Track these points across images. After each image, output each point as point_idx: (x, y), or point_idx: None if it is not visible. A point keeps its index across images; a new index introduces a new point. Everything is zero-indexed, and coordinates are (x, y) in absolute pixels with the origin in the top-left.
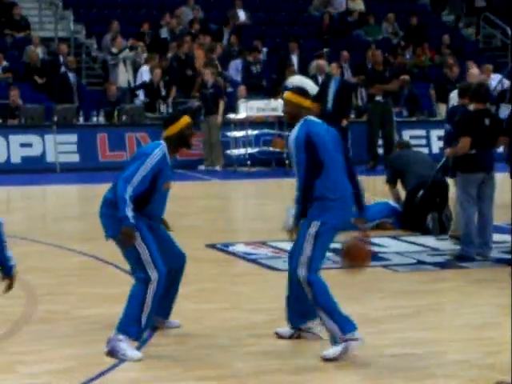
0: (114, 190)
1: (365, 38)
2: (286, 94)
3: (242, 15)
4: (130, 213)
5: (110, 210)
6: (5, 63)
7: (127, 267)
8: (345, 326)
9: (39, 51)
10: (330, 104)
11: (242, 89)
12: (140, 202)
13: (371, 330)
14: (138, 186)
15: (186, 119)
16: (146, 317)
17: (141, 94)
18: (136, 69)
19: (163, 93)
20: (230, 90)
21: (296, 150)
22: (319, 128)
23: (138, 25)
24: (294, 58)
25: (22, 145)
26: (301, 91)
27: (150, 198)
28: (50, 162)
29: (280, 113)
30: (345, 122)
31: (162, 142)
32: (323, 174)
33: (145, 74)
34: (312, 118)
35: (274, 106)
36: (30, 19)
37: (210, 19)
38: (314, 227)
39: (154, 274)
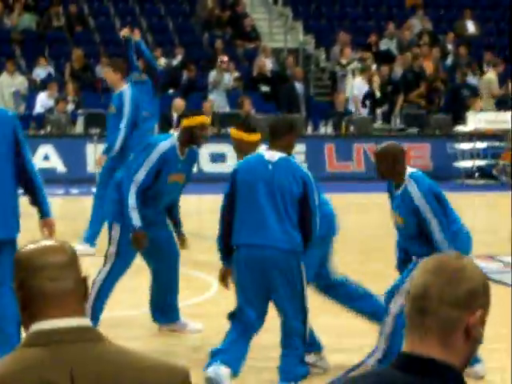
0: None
1: None
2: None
3: (470, 26)
4: (136, 219)
5: (116, 195)
6: (236, 74)
7: None
8: None
9: (269, 62)
10: None
11: (476, 101)
12: (144, 193)
13: None
14: (142, 182)
15: (202, 118)
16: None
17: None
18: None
19: (385, 102)
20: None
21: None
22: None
23: (366, 35)
24: None
25: None
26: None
27: (154, 189)
28: None
29: (510, 125)
30: None
31: (173, 133)
32: None
33: (360, 84)
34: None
35: (504, 119)
36: (261, 30)
37: (438, 30)
38: None
39: None
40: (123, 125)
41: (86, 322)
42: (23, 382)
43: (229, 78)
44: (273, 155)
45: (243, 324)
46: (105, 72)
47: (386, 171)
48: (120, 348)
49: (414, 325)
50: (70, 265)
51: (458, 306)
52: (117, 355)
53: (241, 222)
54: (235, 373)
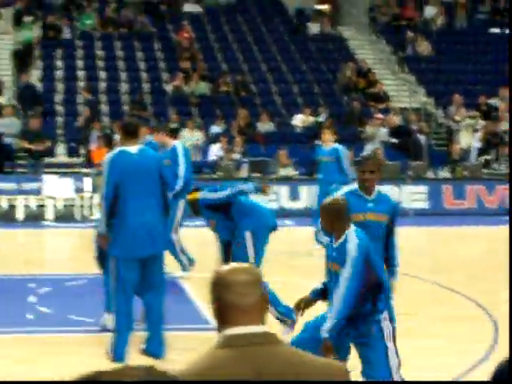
0: None
1: None
2: None
3: None
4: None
5: None
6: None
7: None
8: None
9: (397, 119)
10: None
11: None
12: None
13: None
14: None
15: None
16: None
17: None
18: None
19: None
20: None
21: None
22: None
23: (476, 97)
24: None
25: None
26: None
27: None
28: (405, 207)
29: None
30: None
31: None
32: None
33: (476, 139)
34: None
35: None
36: (390, 93)
37: None
38: None
39: None
40: (183, 169)
41: (267, 328)
42: (217, 377)
43: (385, 132)
44: None
45: None
46: (157, 135)
47: (326, 225)
48: (294, 350)
49: None
50: (254, 283)
51: None
52: (294, 355)
53: None
54: None
